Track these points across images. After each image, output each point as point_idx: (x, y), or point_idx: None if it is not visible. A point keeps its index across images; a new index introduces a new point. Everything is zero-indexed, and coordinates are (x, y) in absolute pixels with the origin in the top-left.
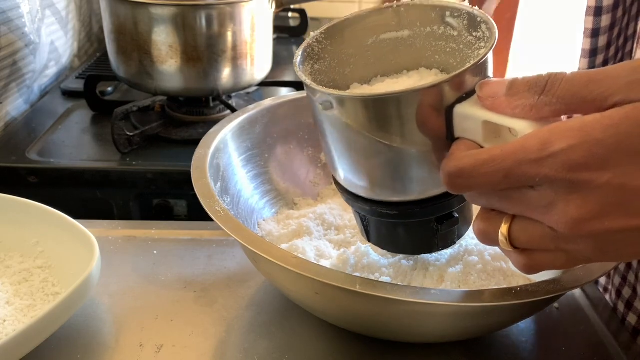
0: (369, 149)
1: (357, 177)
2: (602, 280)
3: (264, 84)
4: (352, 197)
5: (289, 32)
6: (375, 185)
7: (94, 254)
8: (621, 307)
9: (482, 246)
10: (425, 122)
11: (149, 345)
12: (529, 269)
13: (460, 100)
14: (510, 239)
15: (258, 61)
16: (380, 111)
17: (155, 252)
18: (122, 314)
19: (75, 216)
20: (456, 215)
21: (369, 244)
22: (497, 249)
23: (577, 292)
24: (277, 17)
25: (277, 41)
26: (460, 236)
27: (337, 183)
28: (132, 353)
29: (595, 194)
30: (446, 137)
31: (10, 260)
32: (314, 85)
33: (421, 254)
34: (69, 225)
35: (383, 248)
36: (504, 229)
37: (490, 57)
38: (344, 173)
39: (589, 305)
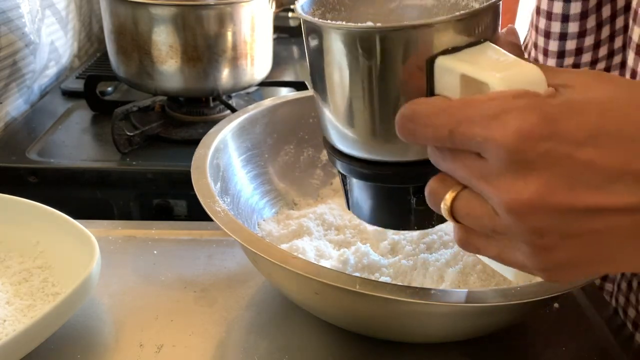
0: (345, 91)
1: (333, 125)
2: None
3: (264, 84)
4: (331, 150)
5: (289, 32)
6: (350, 137)
7: (94, 254)
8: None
9: None
10: (406, 70)
11: (149, 345)
12: (465, 245)
13: (444, 53)
14: (452, 209)
15: (258, 61)
16: (360, 47)
17: (155, 252)
18: (122, 314)
19: (75, 216)
20: None
21: (369, 244)
22: None
23: (577, 292)
24: (277, 17)
25: (277, 41)
26: (441, 220)
27: (323, 138)
28: (132, 353)
29: (546, 165)
30: (426, 93)
31: (10, 260)
32: (305, 16)
33: (395, 229)
34: (69, 225)
35: (359, 217)
36: (449, 195)
37: (491, 18)
38: (323, 121)
39: (589, 305)
